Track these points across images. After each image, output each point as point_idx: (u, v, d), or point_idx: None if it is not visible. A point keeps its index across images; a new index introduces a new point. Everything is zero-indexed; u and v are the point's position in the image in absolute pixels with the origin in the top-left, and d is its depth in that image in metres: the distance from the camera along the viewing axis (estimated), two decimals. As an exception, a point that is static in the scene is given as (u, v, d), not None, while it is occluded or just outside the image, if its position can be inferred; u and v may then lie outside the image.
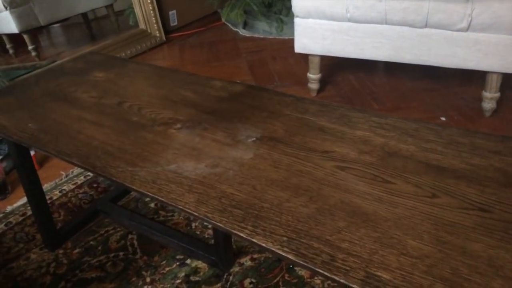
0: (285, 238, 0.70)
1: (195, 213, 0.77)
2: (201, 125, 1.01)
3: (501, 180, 0.80)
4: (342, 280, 0.64)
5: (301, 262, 0.67)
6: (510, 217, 0.72)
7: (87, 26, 3.38)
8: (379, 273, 0.63)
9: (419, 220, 0.72)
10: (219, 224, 0.75)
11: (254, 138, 0.95)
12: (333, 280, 0.65)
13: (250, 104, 1.10)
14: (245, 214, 0.75)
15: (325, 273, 0.65)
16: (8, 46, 2.95)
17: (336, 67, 2.40)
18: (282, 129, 0.99)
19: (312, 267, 0.65)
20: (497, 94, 1.77)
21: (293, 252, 0.68)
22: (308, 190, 0.80)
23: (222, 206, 0.77)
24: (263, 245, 0.70)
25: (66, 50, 3.17)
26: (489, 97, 1.78)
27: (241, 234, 0.72)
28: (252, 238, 0.71)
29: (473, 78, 1.99)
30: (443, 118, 1.85)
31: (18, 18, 2.83)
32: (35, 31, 3.03)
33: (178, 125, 1.01)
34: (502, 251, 0.65)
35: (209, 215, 0.76)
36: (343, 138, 0.95)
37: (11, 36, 2.94)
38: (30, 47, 2.94)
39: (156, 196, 0.81)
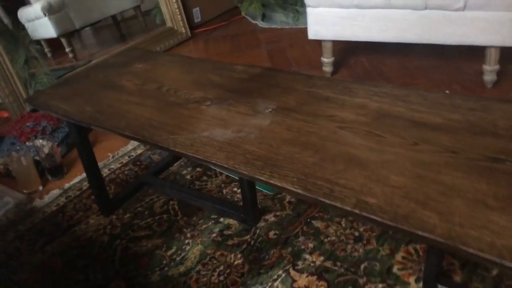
0: (295, 179, 0.90)
1: (225, 165, 0.98)
2: (227, 101, 1.22)
3: (471, 130, 0.98)
4: (338, 205, 0.84)
5: (308, 195, 0.87)
6: (474, 156, 0.90)
7: (116, 27, 3.60)
8: (367, 199, 0.83)
9: (401, 162, 0.91)
10: (244, 172, 0.95)
11: (271, 109, 1.15)
12: (332, 207, 0.85)
13: (267, 83, 1.30)
14: (264, 164, 0.96)
15: (326, 201, 0.85)
16: (46, 50, 3.21)
17: (349, 51, 2.57)
18: (294, 101, 1.19)
19: (316, 197, 0.86)
20: (497, 67, 1.92)
21: (301, 188, 0.88)
22: (314, 145, 1.00)
23: (246, 160, 0.98)
24: (278, 184, 0.91)
25: (99, 50, 3.40)
26: (489, 70, 1.93)
27: (262, 178, 0.93)
28: (270, 180, 0.92)
29: (475, 54, 2.13)
30: (447, 92, 2.01)
31: (56, 23, 3.07)
32: (70, 35, 3.28)
33: (208, 102, 1.22)
34: (464, 180, 0.84)
35: (236, 166, 0.97)
36: (344, 105, 1.14)
37: (48, 40, 3.19)
38: (67, 50, 3.19)
39: (194, 155, 1.03)
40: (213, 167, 1.69)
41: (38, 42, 3.07)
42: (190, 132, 1.11)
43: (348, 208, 0.83)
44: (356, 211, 0.81)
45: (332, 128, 1.05)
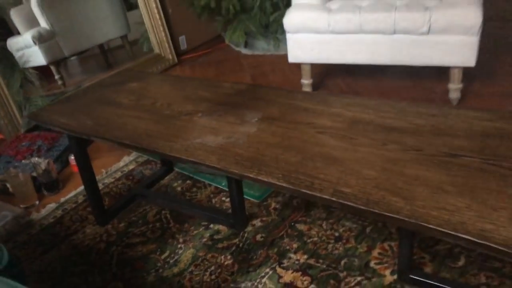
0: (280, 175, 1.02)
1: (217, 166, 1.10)
2: (216, 113, 1.34)
3: (433, 132, 1.12)
4: (318, 194, 0.96)
5: (291, 187, 0.99)
6: (434, 152, 1.03)
7: (103, 56, 3.71)
8: (343, 189, 0.95)
9: (372, 159, 1.04)
10: (234, 171, 1.07)
11: (257, 119, 1.28)
12: (313, 197, 0.97)
13: (252, 97, 1.43)
14: (252, 164, 1.08)
15: (307, 192, 0.97)
16: (34, 78, 3.28)
17: (326, 73, 2.75)
18: (277, 111, 1.32)
19: (298, 189, 0.98)
20: (460, 85, 2.10)
21: (286, 182, 1.00)
22: (296, 147, 1.12)
23: (236, 161, 1.10)
24: (265, 180, 1.03)
25: (86, 78, 3.50)
26: (454, 88, 2.11)
27: (250, 175, 1.05)
28: (258, 177, 1.04)
29: (441, 74, 2.31)
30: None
31: (46, 51, 3.16)
32: (58, 63, 3.38)
33: (199, 114, 1.35)
34: (426, 172, 0.97)
35: (227, 166, 1.09)
36: (322, 114, 1.28)
37: (36, 68, 3.27)
38: (56, 77, 3.28)
39: (189, 159, 1.15)
40: (202, 179, 1.80)
41: (25, 70, 3.14)
42: (185, 139, 1.22)
43: (327, 197, 0.95)
44: (334, 199, 0.94)
45: (312, 133, 1.18)
